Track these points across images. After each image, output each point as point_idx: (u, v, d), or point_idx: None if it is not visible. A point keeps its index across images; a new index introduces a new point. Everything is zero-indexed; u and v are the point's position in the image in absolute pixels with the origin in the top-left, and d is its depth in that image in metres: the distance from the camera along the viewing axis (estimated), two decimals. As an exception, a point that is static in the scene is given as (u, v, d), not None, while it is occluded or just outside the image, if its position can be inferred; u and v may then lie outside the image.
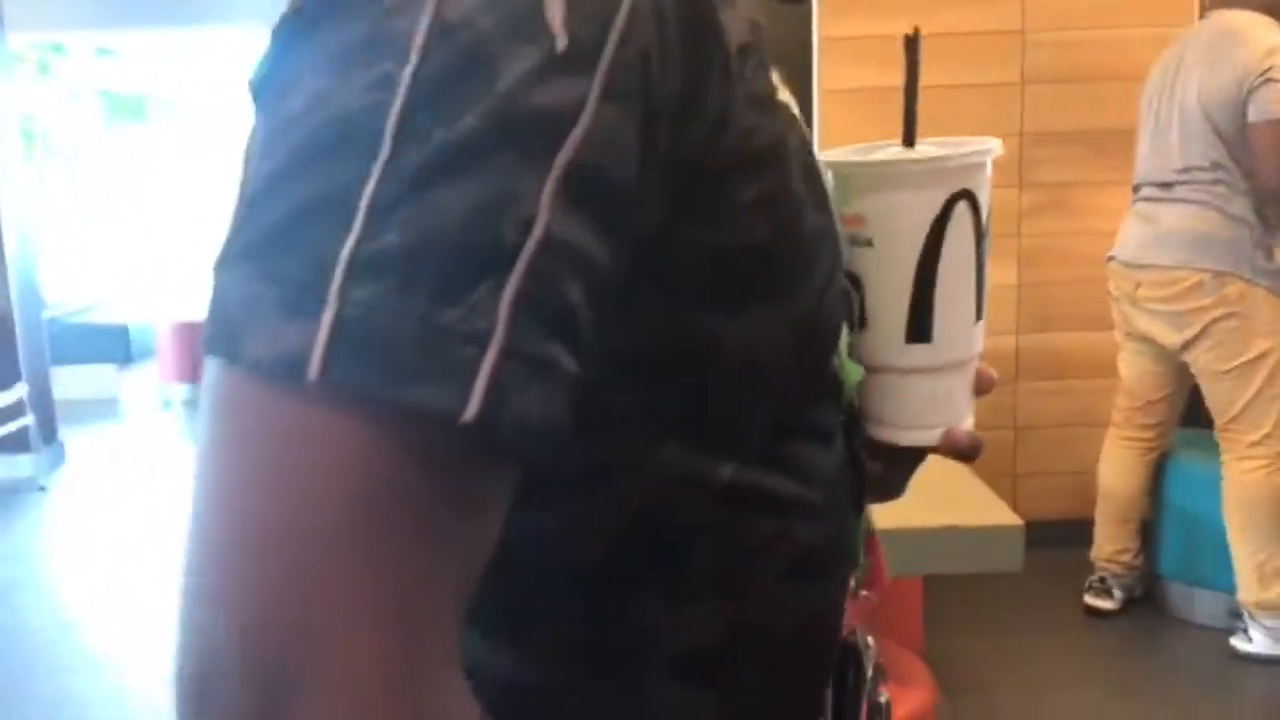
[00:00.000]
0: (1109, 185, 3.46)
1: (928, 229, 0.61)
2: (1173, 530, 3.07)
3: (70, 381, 6.54)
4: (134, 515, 4.48)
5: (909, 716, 1.57)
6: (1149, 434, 3.03)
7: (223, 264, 0.38)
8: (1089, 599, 3.10)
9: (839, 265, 0.55)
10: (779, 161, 0.48)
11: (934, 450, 0.67)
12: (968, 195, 0.62)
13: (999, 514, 1.54)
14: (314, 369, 0.35)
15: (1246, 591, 2.82)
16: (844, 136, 3.40)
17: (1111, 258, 2.96)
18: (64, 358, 6.29)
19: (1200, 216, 2.72)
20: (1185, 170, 2.75)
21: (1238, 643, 2.86)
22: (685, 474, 0.49)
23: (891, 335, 0.63)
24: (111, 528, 4.36)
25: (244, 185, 0.39)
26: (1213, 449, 2.94)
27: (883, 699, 0.68)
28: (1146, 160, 2.88)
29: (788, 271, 0.49)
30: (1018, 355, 3.52)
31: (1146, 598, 3.13)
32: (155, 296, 7.33)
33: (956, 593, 3.19)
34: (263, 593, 0.35)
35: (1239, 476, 2.82)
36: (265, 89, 0.40)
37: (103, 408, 6.66)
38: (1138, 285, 2.85)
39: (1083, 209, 3.49)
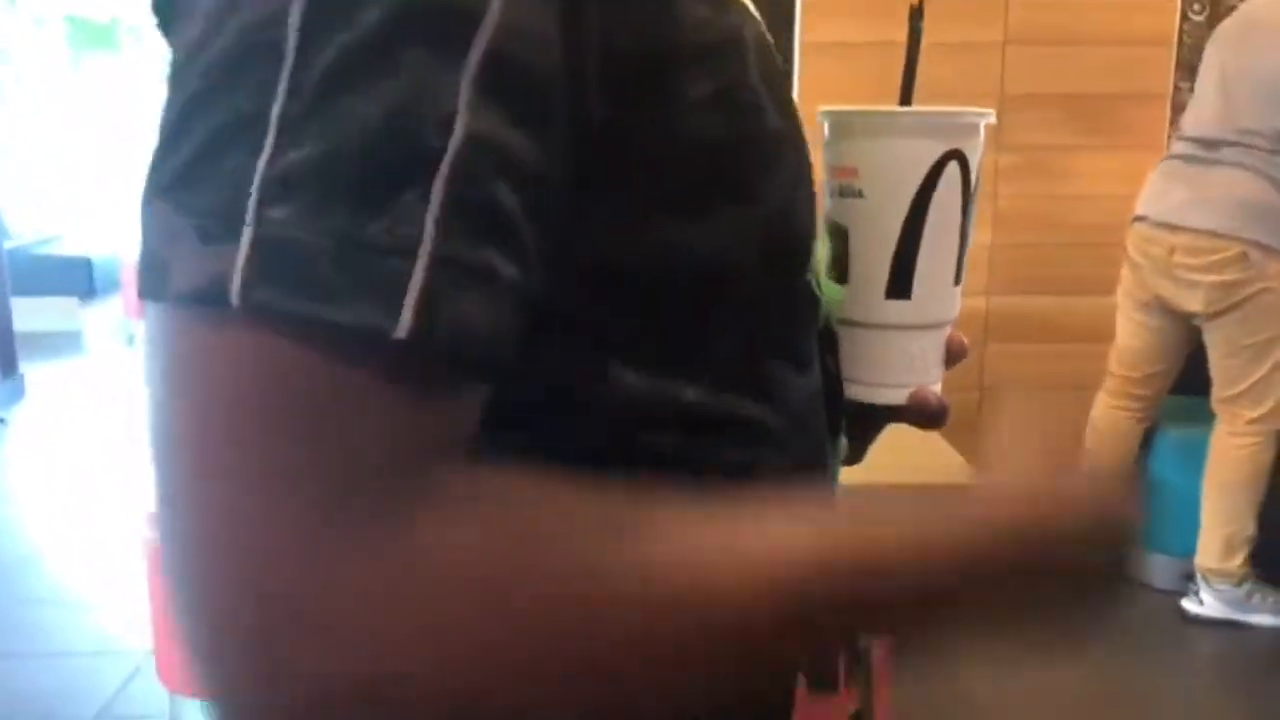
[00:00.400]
0: (1088, 150, 3.46)
1: (919, 183, 0.61)
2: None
3: (31, 314, 6.44)
4: (95, 449, 4.44)
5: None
6: (1142, 404, 2.99)
7: (145, 205, 0.37)
8: None
9: (806, 173, 0.53)
10: (736, 55, 0.46)
11: (900, 414, 0.67)
12: (959, 156, 0.62)
13: (960, 474, 1.54)
14: (234, 294, 0.34)
15: (1207, 557, 2.86)
16: (825, 89, 3.37)
17: (1142, 218, 2.83)
18: (25, 289, 6.19)
19: (1253, 184, 2.62)
20: (1245, 132, 2.63)
21: (1189, 604, 2.91)
22: (647, 397, 0.46)
23: (872, 289, 0.63)
24: (73, 461, 4.32)
25: (160, 121, 0.38)
26: (1191, 416, 2.96)
27: (862, 644, 0.66)
28: (1198, 114, 2.76)
29: (751, 171, 0.47)
30: (988, 317, 3.53)
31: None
32: (120, 229, 7.21)
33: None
34: (212, 528, 0.34)
35: (1230, 449, 2.81)
36: (167, 17, 0.39)
37: (64, 341, 6.57)
38: (1172, 250, 2.73)
39: (1060, 173, 3.48)
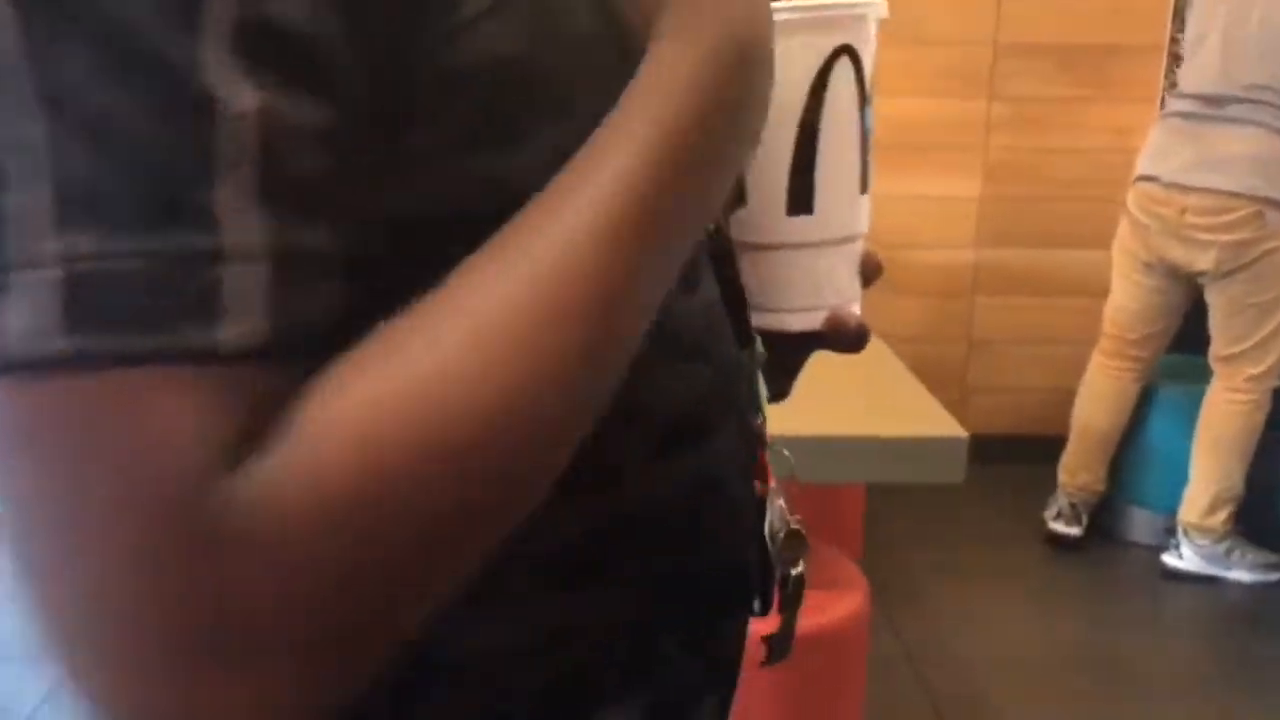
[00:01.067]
0: (1080, 102, 3.41)
1: (809, 85, 0.57)
2: (1126, 451, 3.08)
3: None
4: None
5: (843, 620, 1.58)
6: (1139, 365, 2.96)
7: None
8: (1057, 526, 3.05)
9: (628, 70, 0.45)
10: None
11: (818, 340, 0.62)
12: (850, 51, 0.57)
13: (944, 425, 1.52)
14: (60, 344, 0.31)
15: (1191, 513, 2.86)
16: None
17: (1150, 177, 2.76)
18: None
19: (1265, 141, 2.59)
20: (1254, 88, 2.58)
21: (1169, 559, 2.91)
22: None
23: (771, 207, 0.59)
24: None
25: None
26: (1183, 374, 2.94)
27: (794, 571, 0.62)
28: (1198, 69, 2.70)
29: (562, 83, 0.41)
30: (976, 269, 3.50)
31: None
32: None
33: (898, 504, 3.22)
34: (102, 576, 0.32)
35: (1225, 405, 2.80)
36: None
37: None
38: (1184, 210, 2.68)
39: (1052, 125, 3.44)
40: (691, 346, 0.50)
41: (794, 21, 0.56)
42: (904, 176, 3.44)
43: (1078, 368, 3.11)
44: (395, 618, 0.36)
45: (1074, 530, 3.05)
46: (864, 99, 0.59)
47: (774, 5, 0.49)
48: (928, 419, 1.55)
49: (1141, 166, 2.82)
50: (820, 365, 2.00)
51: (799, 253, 0.59)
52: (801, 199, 0.58)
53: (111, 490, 0.32)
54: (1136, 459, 3.07)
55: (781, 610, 0.62)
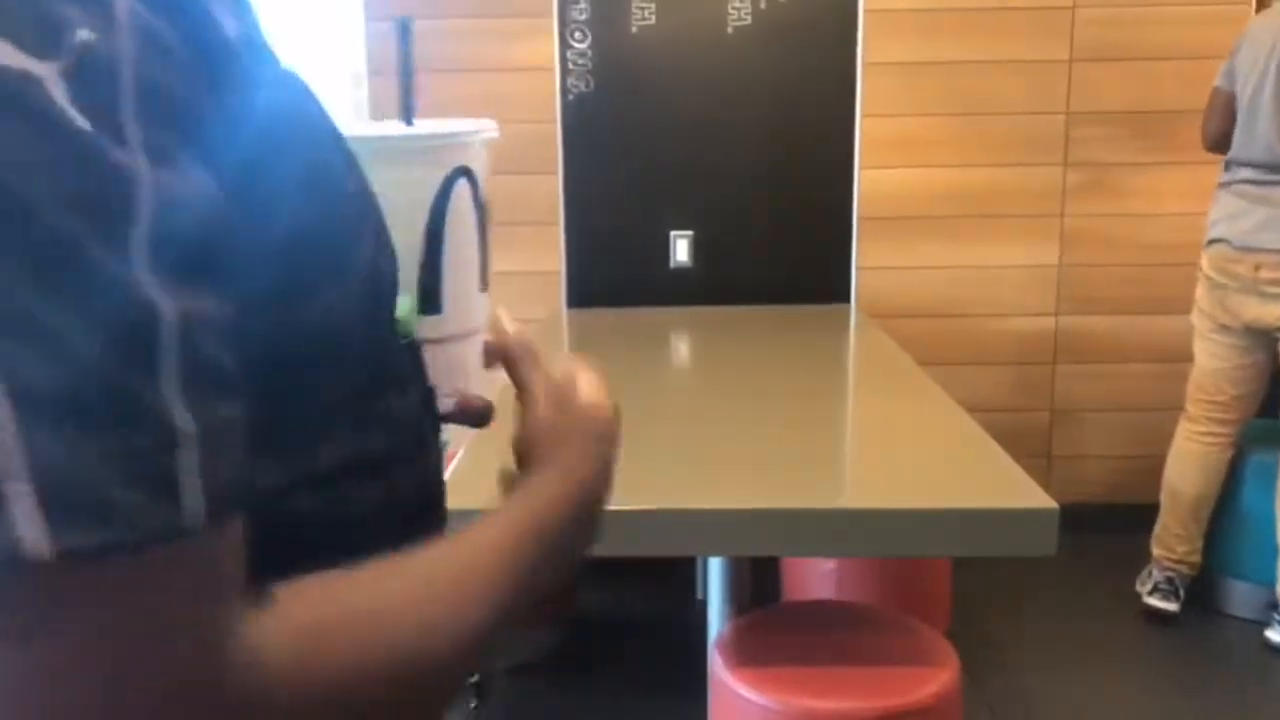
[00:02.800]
0: (1155, 167, 3.39)
1: (430, 205, 0.64)
2: (1219, 521, 3.01)
3: None
4: None
5: (935, 696, 1.56)
6: (1227, 429, 2.92)
7: None
8: (1154, 601, 2.96)
9: (383, 220, 0.56)
10: (309, 136, 0.49)
11: (454, 418, 0.71)
12: (467, 172, 0.64)
13: (1033, 496, 1.51)
14: (45, 547, 0.34)
15: None
16: (886, 106, 3.36)
17: (1218, 240, 2.79)
18: None
19: None
20: None
21: (1272, 634, 2.82)
22: (293, 472, 0.48)
23: (413, 308, 0.65)
24: None
25: None
26: (1274, 439, 2.87)
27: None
28: (1250, 142, 2.74)
29: (344, 240, 0.50)
30: (1056, 336, 3.47)
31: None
32: None
33: (985, 576, 3.16)
34: None
35: None
36: None
37: None
38: (1257, 267, 2.71)
39: (1127, 190, 3.42)
40: (409, 435, 0.59)
41: (419, 145, 0.62)
42: (983, 246, 3.44)
43: (1162, 434, 3.06)
44: None
45: (1171, 605, 2.96)
46: (482, 212, 0.65)
47: (395, 129, 0.57)
48: (1016, 490, 1.54)
49: (1213, 231, 2.82)
50: (905, 436, 2.02)
51: (433, 347, 0.66)
52: (431, 302, 0.65)
53: (142, 667, 0.36)
54: (1231, 529, 2.99)
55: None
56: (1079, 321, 3.47)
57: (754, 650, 1.66)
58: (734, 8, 3.22)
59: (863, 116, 3.28)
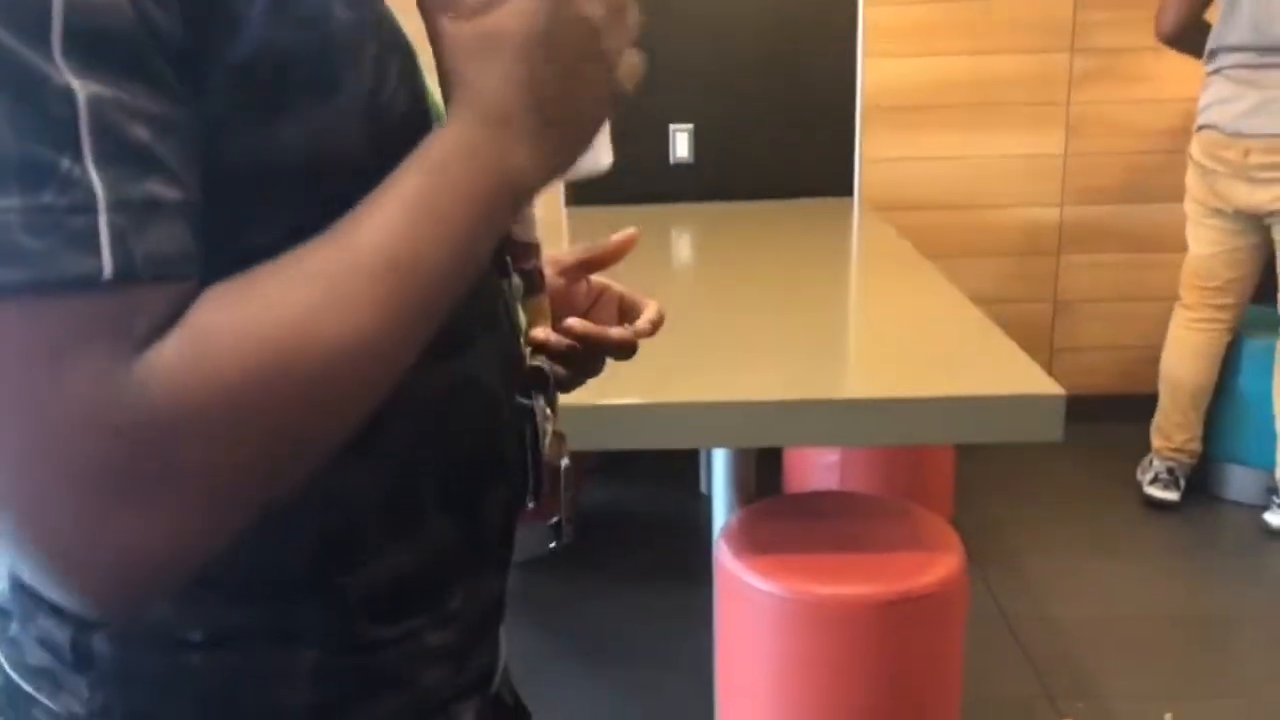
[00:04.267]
0: (1165, 51, 3.31)
1: None
2: (1218, 408, 3.02)
3: None
4: None
5: (941, 582, 1.58)
6: (1224, 315, 2.91)
7: None
8: (1154, 491, 3.00)
9: (396, 50, 0.54)
10: None
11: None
12: None
13: (1039, 383, 1.50)
14: None
15: None
16: (889, 38, 3.27)
17: (1208, 126, 2.77)
18: None
19: None
20: None
21: (1271, 517, 2.85)
22: None
23: None
24: None
25: None
26: (1272, 326, 2.87)
27: (562, 464, 0.72)
28: (1239, 25, 2.69)
29: (326, 64, 0.50)
30: (1061, 227, 3.44)
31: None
32: None
33: (988, 465, 3.19)
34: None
35: None
36: None
37: None
38: (1247, 152, 2.69)
39: (1135, 76, 3.35)
40: None
41: None
42: (987, 136, 3.39)
43: (1165, 325, 3.05)
44: (263, 476, 0.46)
45: (1172, 495, 2.99)
46: None
47: None
48: (1023, 377, 1.53)
49: (1202, 116, 2.80)
50: (910, 327, 2.01)
51: None
52: None
53: (40, 392, 0.41)
54: (1230, 415, 3.00)
55: (556, 497, 0.73)
56: (1083, 211, 3.43)
57: (760, 540, 1.68)
58: (732, -110, 3.12)
59: (865, 3, 3.19)
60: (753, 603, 1.60)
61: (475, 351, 0.62)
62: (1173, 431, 3.00)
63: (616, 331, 0.75)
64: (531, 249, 0.73)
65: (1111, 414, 3.30)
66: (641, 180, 3.28)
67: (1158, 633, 2.48)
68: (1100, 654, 2.38)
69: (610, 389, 1.49)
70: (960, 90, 3.37)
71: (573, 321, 0.73)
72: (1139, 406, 3.13)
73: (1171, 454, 3.00)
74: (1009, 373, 1.57)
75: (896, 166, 3.42)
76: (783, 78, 3.26)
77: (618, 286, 0.90)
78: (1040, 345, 3.49)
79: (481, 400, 0.63)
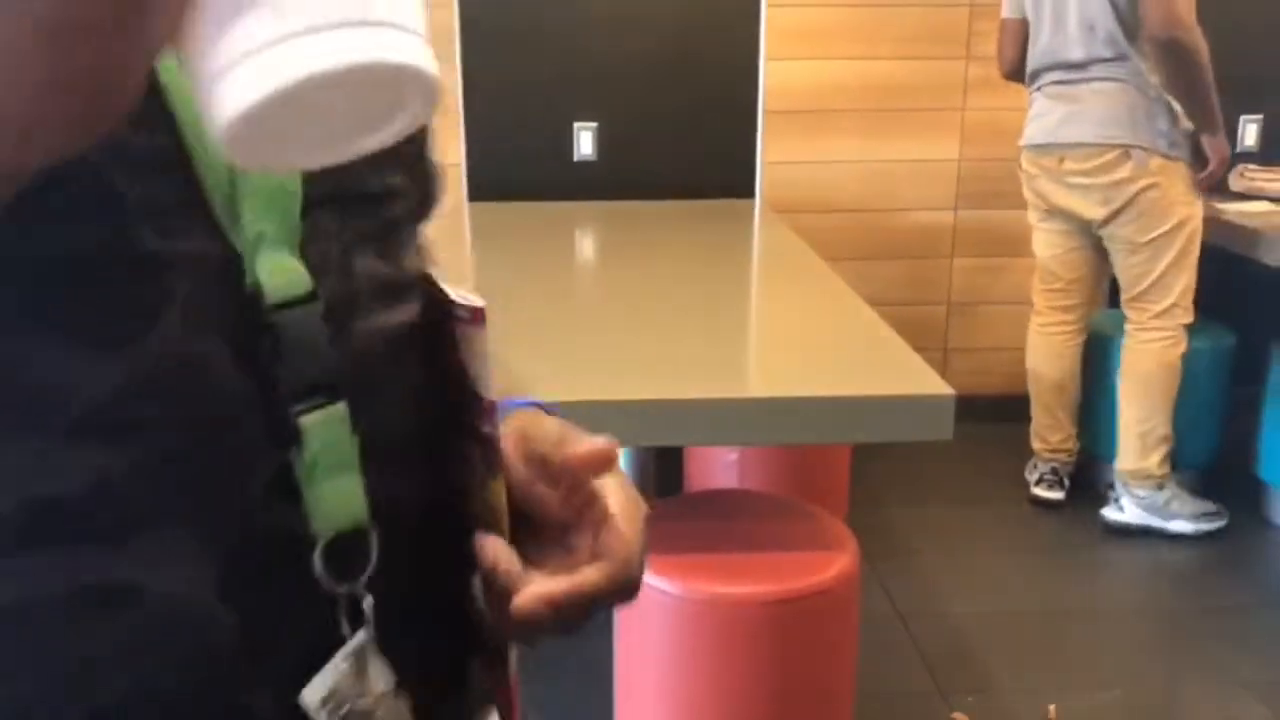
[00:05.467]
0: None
1: None
2: (1091, 408, 3.12)
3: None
4: None
5: (835, 580, 1.60)
6: (1071, 316, 3.04)
7: None
8: (1039, 492, 3.09)
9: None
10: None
11: None
12: None
13: (930, 384, 1.53)
14: None
15: (1126, 459, 2.91)
16: (791, 43, 3.31)
17: (1030, 139, 2.91)
18: None
19: (1120, 92, 2.71)
20: (1091, 58, 2.72)
21: (1109, 513, 2.96)
22: None
23: None
24: None
25: None
26: (1119, 326, 2.99)
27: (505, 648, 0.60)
28: (1043, 50, 2.83)
29: None
30: (955, 230, 3.52)
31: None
32: None
33: (882, 464, 3.25)
34: None
35: (1138, 346, 2.87)
36: None
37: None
38: (1061, 160, 2.82)
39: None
40: None
41: None
42: (885, 140, 3.45)
43: (1056, 326, 3.13)
44: None
45: (1056, 494, 3.09)
46: None
47: None
48: (915, 378, 1.56)
49: (1025, 133, 2.93)
50: (807, 329, 2.03)
51: None
52: None
53: None
54: (1099, 414, 3.10)
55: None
56: (976, 215, 3.52)
57: (658, 539, 1.67)
58: (637, -111, 3.12)
59: (768, 6, 3.23)
60: (649, 602, 1.60)
61: None
62: (1045, 433, 3.11)
63: (591, 575, 0.55)
64: (485, 409, 0.55)
65: (1004, 413, 3.38)
66: (544, 176, 3.26)
67: (1045, 627, 2.56)
68: (990, 649, 2.45)
69: (506, 387, 1.47)
70: (859, 95, 3.42)
71: (541, 591, 0.54)
72: (1029, 406, 3.22)
73: (1050, 455, 3.11)
74: (901, 374, 1.60)
75: (797, 169, 3.46)
76: (687, 78, 3.27)
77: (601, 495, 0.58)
78: (935, 346, 3.56)
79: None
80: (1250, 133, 3.53)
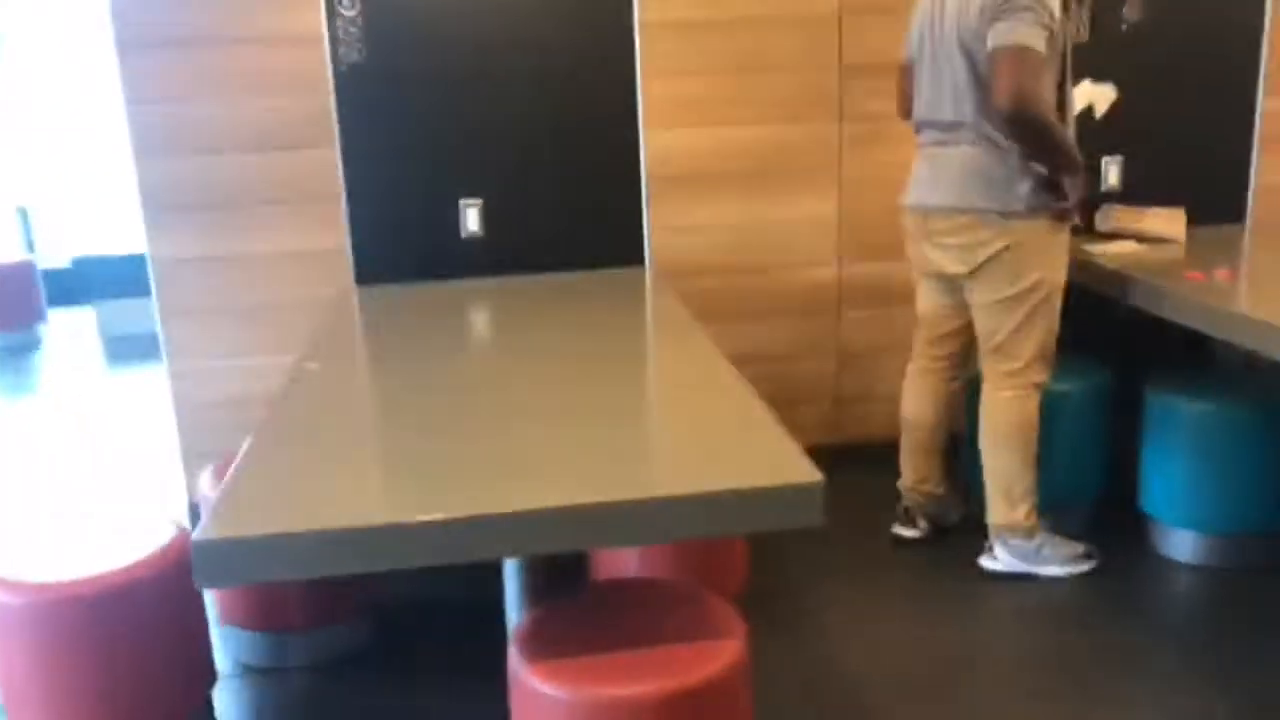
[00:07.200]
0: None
1: None
2: (972, 456, 3.19)
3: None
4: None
5: (721, 670, 1.62)
6: (943, 364, 3.14)
7: None
8: (896, 528, 3.23)
9: None
10: None
11: None
12: None
13: (800, 471, 1.57)
14: None
15: (995, 513, 3.00)
16: (668, 65, 3.37)
17: (908, 199, 3.01)
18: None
19: (980, 156, 2.79)
20: (957, 120, 2.82)
21: (985, 562, 3.05)
22: None
23: None
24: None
25: None
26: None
27: None
28: (921, 105, 2.93)
29: None
30: (840, 284, 3.61)
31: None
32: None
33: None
34: None
35: (994, 401, 2.96)
36: None
37: None
38: (927, 219, 2.93)
39: (902, 139, 3.55)
40: None
41: None
42: (768, 201, 3.53)
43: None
44: None
45: (910, 532, 3.21)
46: None
47: None
48: (786, 466, 1.60)
49: (904, 194, 3.03)
50: (686, 419, 2.03)
51: None
52: None
53: None
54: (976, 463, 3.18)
55: None
56: (859, 268, 3.61)
57: (549, 641, 1.69)
58: (508, -30, 3.16)
59: (645, 76, 3.28)
60: (542, 709, 1.61)
61: None
62: (907, 472, 3.22)
63: None
64: None
65: (895, 461, 3.46)
66: (433, 255, 3.26)
67: (941, 677, 2.60)
68: (886, 700, 2.49)
69: (384, 506, 1.48)
70: (741, 158, 3.50)
71: None
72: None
73: (907, 492, 3.22)
74: (775, 461, 1.63)
75: (684, 234, 3.52)
76: (568, 149, 3.31)
77: None
78: (826, 398, 3.64)
79: None
80: (1112, 173, 3.68)
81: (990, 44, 2.63)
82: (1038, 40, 2.59)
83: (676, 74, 3.41)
